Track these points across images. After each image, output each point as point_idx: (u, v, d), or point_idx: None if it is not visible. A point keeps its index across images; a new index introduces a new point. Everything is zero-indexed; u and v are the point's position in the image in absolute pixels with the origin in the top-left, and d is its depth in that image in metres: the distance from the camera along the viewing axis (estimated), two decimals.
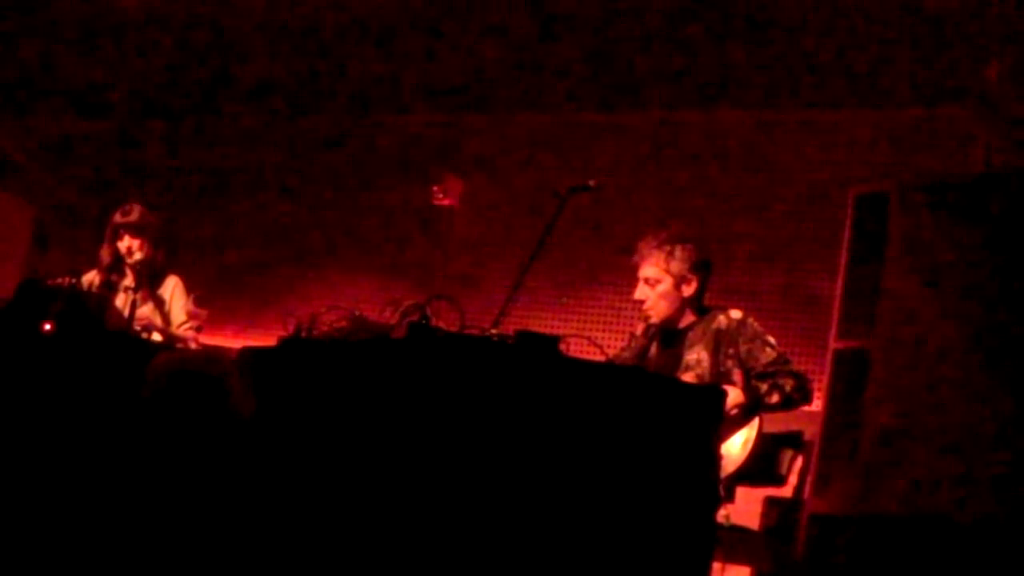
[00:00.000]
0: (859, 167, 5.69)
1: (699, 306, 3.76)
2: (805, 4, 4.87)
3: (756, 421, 3.51)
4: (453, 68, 6.21)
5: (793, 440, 3.77)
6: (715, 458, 3.01)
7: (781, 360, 3.59)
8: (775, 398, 3.52)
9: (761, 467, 3.63)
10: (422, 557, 2.50)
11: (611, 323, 6.07)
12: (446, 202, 6.78)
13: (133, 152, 7.92)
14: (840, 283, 3.92)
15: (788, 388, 3.52)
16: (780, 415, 3.71)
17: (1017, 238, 3.26)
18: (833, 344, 3.89)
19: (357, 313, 3.05)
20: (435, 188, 6.78)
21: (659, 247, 3.72)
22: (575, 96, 6.37)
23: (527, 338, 2.75)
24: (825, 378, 3.91)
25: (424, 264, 6.75)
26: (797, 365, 3.69)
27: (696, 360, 3.63)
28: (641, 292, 3.75)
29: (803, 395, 3.57)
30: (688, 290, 3.70)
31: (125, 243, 4.73)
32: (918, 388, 3.39)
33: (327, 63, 6.40)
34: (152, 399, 3.08)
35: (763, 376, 3.54)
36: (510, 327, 3.05)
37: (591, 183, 3.98)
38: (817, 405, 3.79)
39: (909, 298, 3.46)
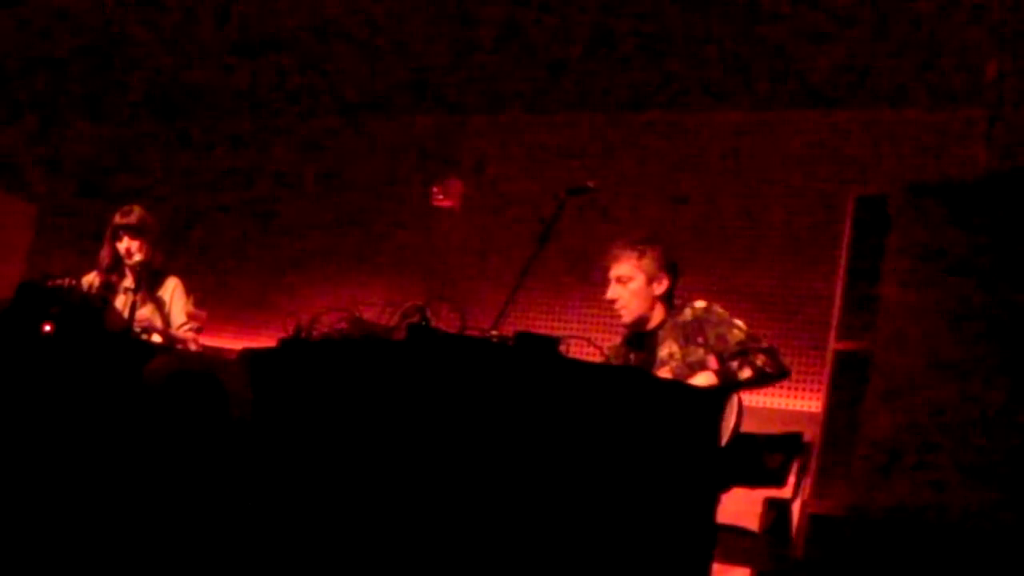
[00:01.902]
0: (859, 167, 5.69)
1: (670, 304, 3.83)
2: (805, 4, 4.86)
3: (735, 400, 3.57)
4: (453, 68, 6.21)
5: (793, 441, 3.78)
6: (715, 459, 3.01)
7: (751, 339, 3.68)
8: (747, 372, 3.59)
9: (760, 468, 3.64)
10: (422, 557, 2.50)
11: (611, 324, 6.06)
12: (446, 203, 6.77)
13: (133, 152, 7.92)
14: (840, 284, 3.92)
15: (759, 363, 3.60)
16: (780, 417, 3.73)
17: (1018, 240, 3.26)
18: (833, 345, 3.89)
19: (357, 314, 3.05)
20: (435, 189, 6.78)
21: (631, 247, 3.84)
22: (575, 96, 6.37)
23: (527, 339, 2.75)
24: (825, 379, 3.92)
25: (424, 265, 6.75)
26: (796, 365, 3.72)
27: (669, 355, 3.71)
28: (613, 291, 3.85)
29: (777, 368, 3.64)
30: (659, 288, 3.81)
31: (124, 244, 4.74)
32: (918, 389, 3.39)
33: (327, 63, 6.40)
34: (152, 400, 3.08)
35: (735, 356, 3.61)
36: (510, 328, 3.05)
37: (590, 184, 4.03)
38: (817, 406, 3.79)
39: (909, 299, 3.46)
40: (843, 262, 3.92)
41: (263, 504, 2.76)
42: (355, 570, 2.57)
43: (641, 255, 3.81)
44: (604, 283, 3.89)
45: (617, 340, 4.05)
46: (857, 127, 5.81)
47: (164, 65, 6.69)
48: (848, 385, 3.70)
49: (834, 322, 3.95)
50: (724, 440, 3.48)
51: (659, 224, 5.98)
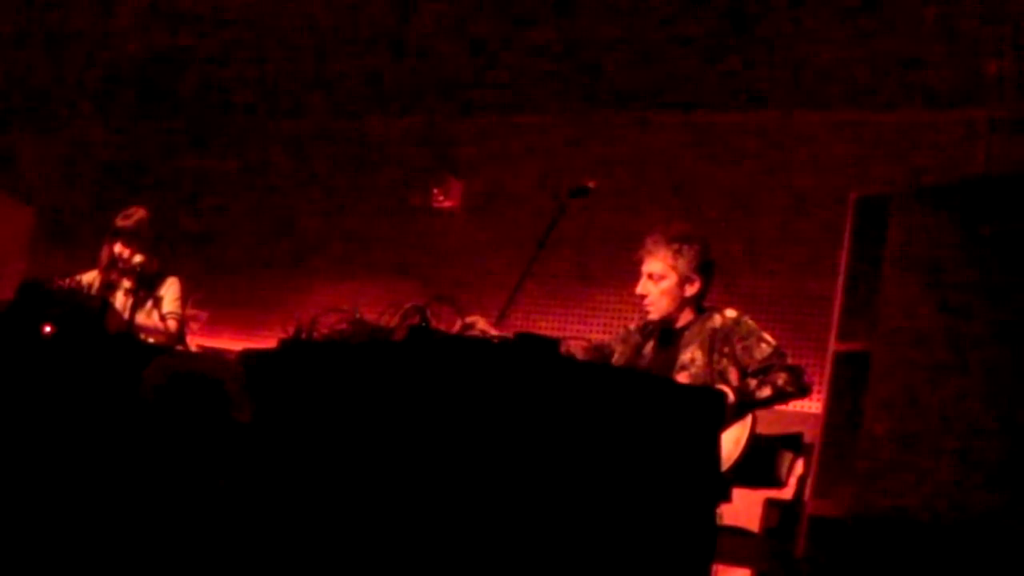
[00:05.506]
0: (859, 168, 5.68)
1: (698, 306, 3.77)
2: (805, 4, 4.86)
3: (749, 419, 3.51)
4: (454, 68, 6.21)
5: (793, 442, 3.77)
6: (716, 461, 3.01)
7: (777, 355, 3.59)
8: (766, 392, 3.52)
9: (761, 469, 3.63)
10: (422, 559, 2.50)
11: (610, 324, 6.07)
12: (446, 204, 6.78)
13: (133, 152, 7.92)
14: (840, 285, 3.92)
15: (780, 382, 3.52)
16: (780, 418, 3.71)
17: (1017, 240, 3.26)
18: (833, 346, 3.89)
19: (357, 315, 3.05)
20: (435, 190, 6.78)
21: (667, 244, 3.72)
22: (575, 96, 6.37)
23: (527, 340, 2.75)
24: (825, 380, 3.92)
25: (424, 266, 6.75)
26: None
27: (690, 360, 3.64)
28: (644, 287, 3.75)
29: (798, 387, 3.56)
30: (691, 290, 3.72)
31: (118, 248, 4.75)
32: (918, 390, 3.39)
33: (327, 63, 6.40)
34: (152, 401, 3.08)
35: (757, 372, 3.55)
36: (510, 329, 3.05)
37: (590, 184, 3.99)
38: (817, 407, 3.79)
39: (909, 300, 3.46)
40: (843, 263, 3.92)
41: (263, 506, 2.76)
42: (356, 571, 2.57)
43: (677, 254, 3.69)
44: (633, 279, 3.79)
45: (633, 323, 3.96)
46: (857, 127, 5.81)
47: (164, 65, 6.69)
48: (848, 385, 3.70)
49: (834, 323, 3.95)
50: (735, 457, 3.44)
51: (657, 225, 5.97)
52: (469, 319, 3.14)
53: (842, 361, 3.79)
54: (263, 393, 2.95)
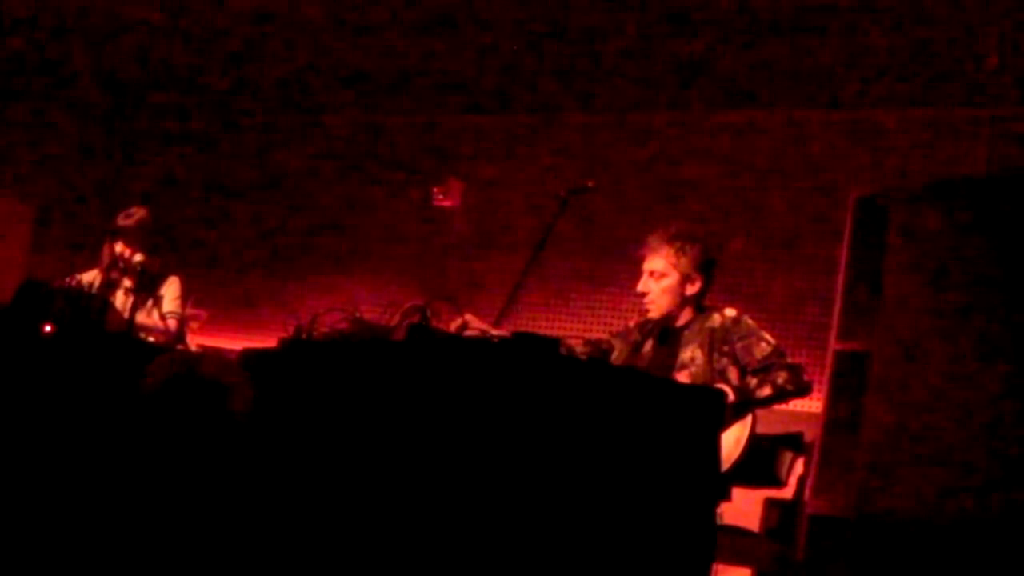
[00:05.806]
0: (859, 167, 5.69)
1: (698, 305, 3.77)
2: (805, 4, 4.86)
3: (749, 418, 3.51)
4: (454, 68, 6.22)
5: (793, 441, 3.77)
6: (716, 460, 3.01)
7: (776, 353, 3.59)
8: (766, 391, 3.52)
9: (761, 468, 3.63)
10: (421, 558, 2.50)
11: (610, 324, 6.07)
12: (446, 203, 6.79)
13: (134, 153, 7.93)
14: (840, 284, 3.93)
15: (780, 380, 3.52)
16: (781, 417, 3.72)
17: (1018, 240, 3.26)
18: (833, 345, 3.89)
19: (357, 315, 3.05)
20: (435, 189, 6.79)
21: (670, 242, 3.73)
22: (575, 96, 6.37)
23: (526, 340, 2.74)
24: (825, 379, 3.92)
25: (424, 265, 6.75)
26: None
27: (690, 358, 3.64)
28: (644, 285, 3.75)
29: (798, 386, 3.56)
30: (692, 288, 3.72)
31: (119, 247, 4.76)
32: (918, 390, 3.39)
33: (327, 64, 6.41)
34: (152, 400, 3.08)
35: (757, 371, 3.56)
36: (510, 328, 3.06)
37: (590, 184, 4.00)
38: (817, 407, 3.79)
39: (909, 300, 3.46)
40: (843, 262, 3.93)
41: (264, 505, 2.76)
42: (355, 570, 2.57)
43: (680, 252, 3.69)
44: (634, 278, 3.78)
45: (632, 320, 3.96)
46: (857, 127, 5.81)
47: (164, 65, 6.69)
48: (848, 385, 3.70)
49: (834, 322, 3.95)
50: (736, 456, 3.44)
51: (659, 224, 5.98)
52: (464, 318, 3.15)
53: (842, 361, 3.79)
54: (264, 392, 2.95)
